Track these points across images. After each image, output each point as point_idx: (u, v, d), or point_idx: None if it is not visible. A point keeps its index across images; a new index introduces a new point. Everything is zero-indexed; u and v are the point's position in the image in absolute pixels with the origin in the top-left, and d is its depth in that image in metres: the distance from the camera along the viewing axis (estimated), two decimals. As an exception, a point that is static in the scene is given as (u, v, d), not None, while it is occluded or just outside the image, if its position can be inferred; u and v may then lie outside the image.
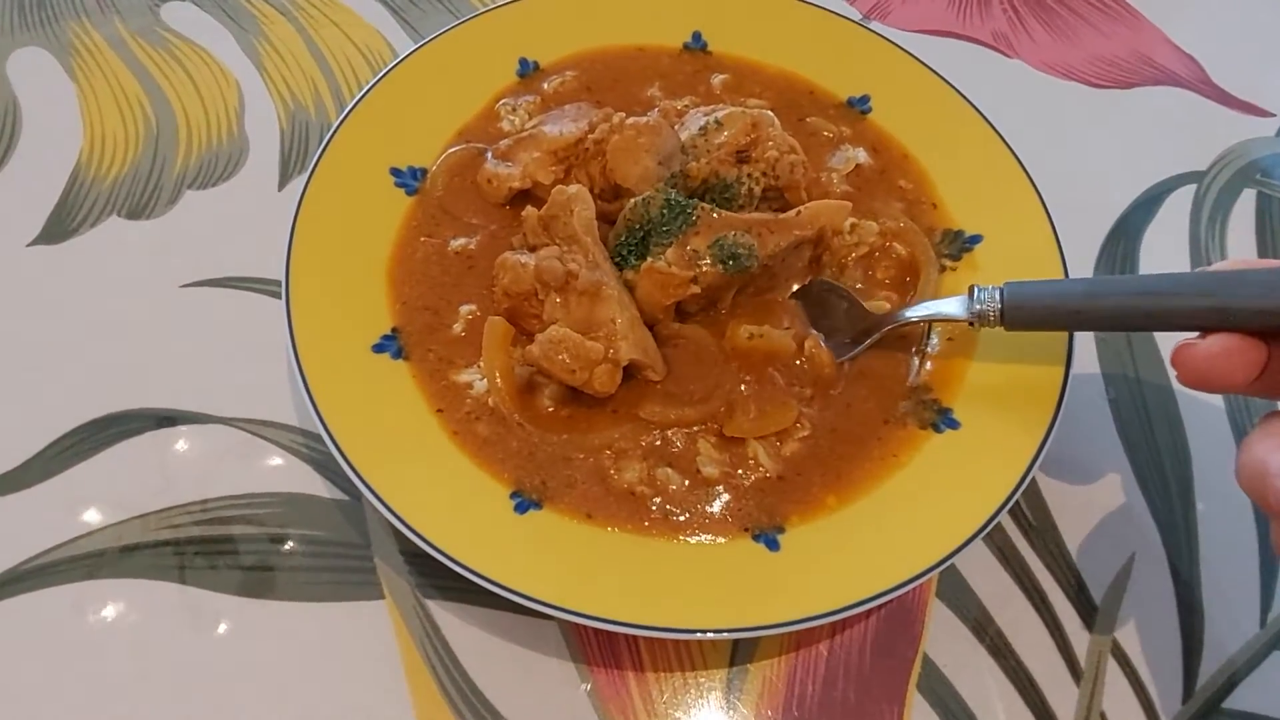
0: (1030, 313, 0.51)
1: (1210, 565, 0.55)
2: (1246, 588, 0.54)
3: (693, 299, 0.55)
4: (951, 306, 0.54)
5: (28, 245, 0.63)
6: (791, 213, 0.56)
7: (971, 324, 0.52)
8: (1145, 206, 0.70)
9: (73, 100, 0.71)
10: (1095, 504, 0.57)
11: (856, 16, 0.80)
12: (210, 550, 0.52)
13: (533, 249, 0.55)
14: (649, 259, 0.54)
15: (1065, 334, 0.55)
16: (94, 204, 0.65)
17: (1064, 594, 0.53)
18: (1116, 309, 0.49)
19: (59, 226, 0.64)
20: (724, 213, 0.55)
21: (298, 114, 0.71)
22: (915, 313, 0.55)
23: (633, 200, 0.55)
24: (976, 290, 0.52)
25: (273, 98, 0.72)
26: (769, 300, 0.58)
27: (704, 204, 0.56)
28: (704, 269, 0.54)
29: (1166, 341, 0.63)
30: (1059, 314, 0.50)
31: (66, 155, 0.68)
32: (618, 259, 0.55)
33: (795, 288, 0.59)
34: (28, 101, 0.71)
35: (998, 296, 0.51)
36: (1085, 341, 0.62)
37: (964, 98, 0.65)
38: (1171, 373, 0.61)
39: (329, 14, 0.77)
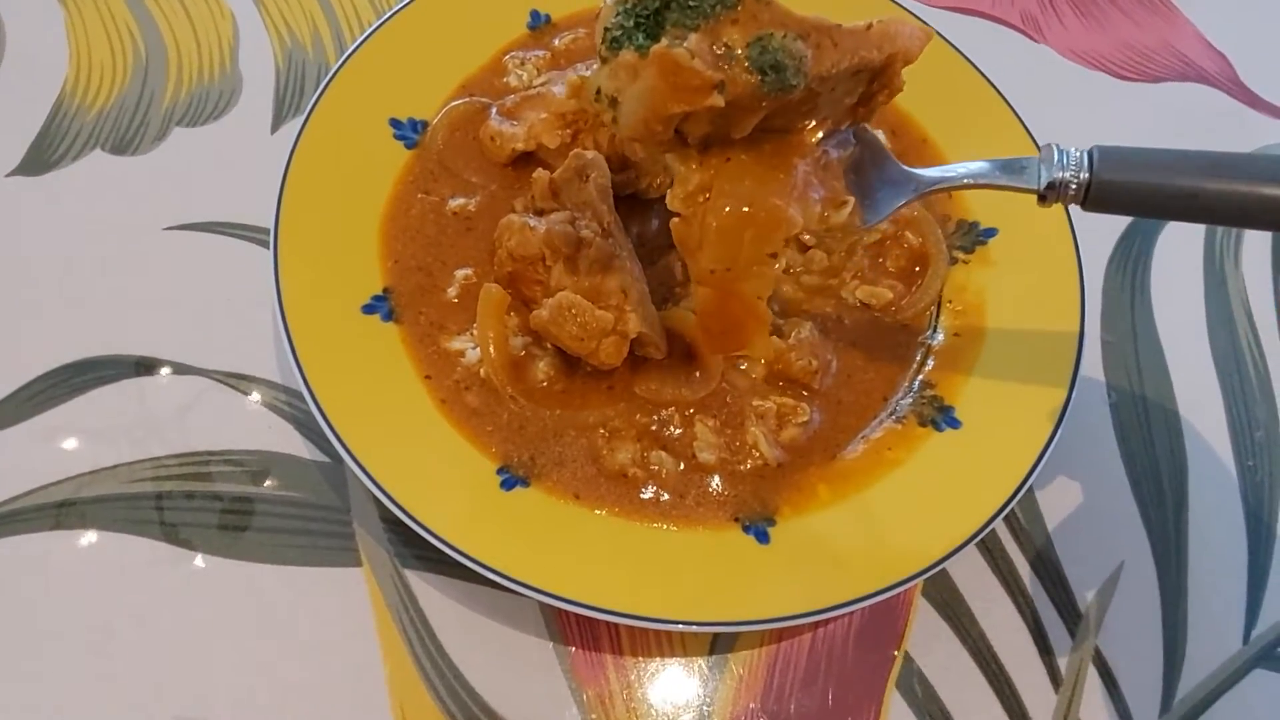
0: (1127, 191, 0.42)
1: (1197, 579, 0.54)
2: (1232, 604, 0.54)
3: (704, 115, 0.42)
4: (1017, 173, 0.45)
5: (6, 175, 0.61)
6: (861, 23, 0.44)
7: (1042, 197, 0.43)
8: (1162, 210, 0.68)
9: (60, 25, 0.68)
10: (1088, 510, 0.56)
11: (883, -11, 0.77)
12: (184, 506, 0.51)
13: (539, 213, 0.53)
14: (663, 40, 0.41)
15: (1075, 335, 0.54)
16: (77, 136, 0.63)
17: (1050, 599, 0.53)
18: (1245, 198, 0.40)
19: (39, 157, 0.61)
20: (777, 1, 0.42)
21: (295, 53, 0.68)
22: (967, 175, 0.46)
23: None
24: (1057, 151, 0.43)
25: (269, 33, 0.69)
26: (796, 140, 0.46)
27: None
28: (735, 75, 0.41)
29: (1173, 349, 0.62)
30: (1165, 196, 0.41)
31: (51, 82, 0.65)
32: (618, 31, 0.42)
33: (828, 129, 0.47)
34: (12, 23, 0.67)
35: (1085, 162, 0.42)
36: (1090, 342, 0.61)
37: (990, 83, 0.63)
38: (1175, 379, 0.61)
39: (331, -55, 0.73)
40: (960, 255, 0.58)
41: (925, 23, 0.61)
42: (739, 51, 0.41)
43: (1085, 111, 0.72)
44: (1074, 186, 0.42)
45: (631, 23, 0.42)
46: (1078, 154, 0.42)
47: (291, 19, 0.69)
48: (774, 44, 0.41)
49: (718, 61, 0.41)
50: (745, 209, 0.44)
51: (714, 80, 0.40)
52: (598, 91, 0.43)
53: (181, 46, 0.67)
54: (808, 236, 0.56)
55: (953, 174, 0.47)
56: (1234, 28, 0.78)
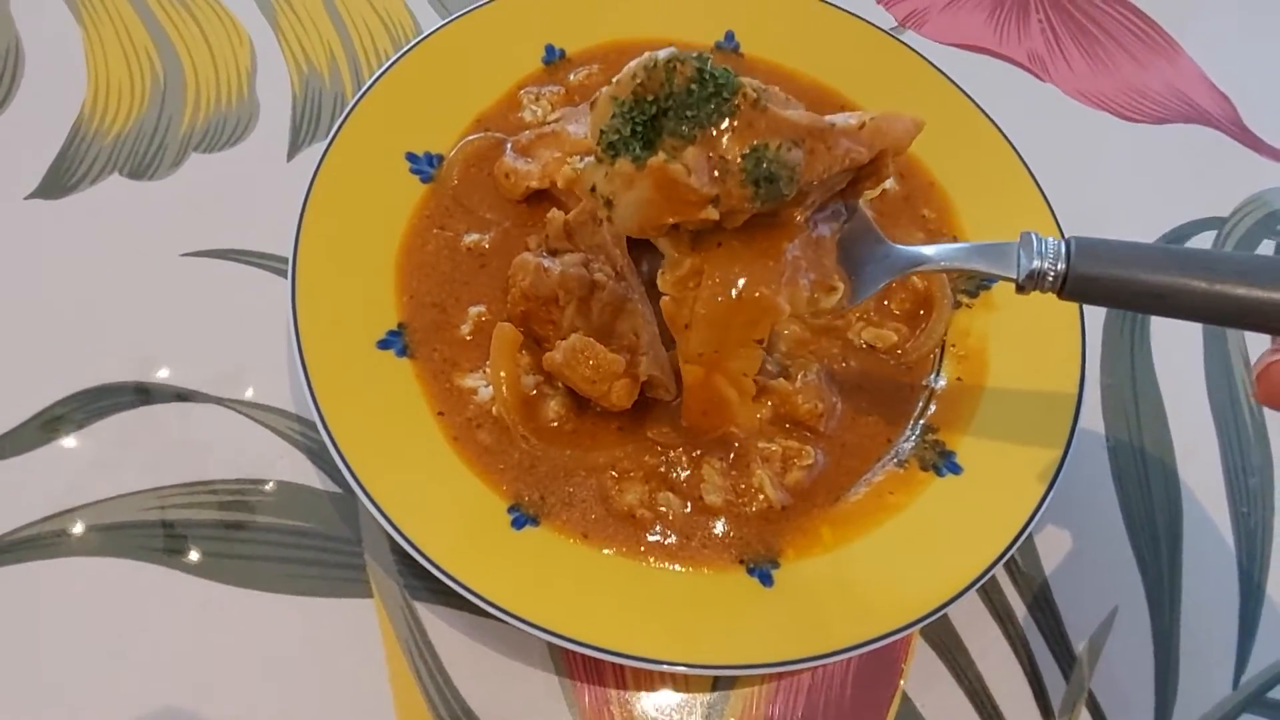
0: (1102, 285, 0.41)
1: (1189, 624, 0.56)
2: (1223, 649, 0.55)
3: (697, 220, 0.43)
4: (995, 259, 0.45)
5: (25, 198, 0.61)
6: (853, 122, 0.45)
7: (1021, 287, 0.43)
8: (1164, 251, 0.69)
9: (78, 45, 0.68)
10: (1085, 553, 0.57)
11: (892, 23, 0.78)
12: (196, 534, 0.52)
13: (553, 252, 0.54)
14: (660, 153, 0.41)
15: (1076, 381, 0.55)
16: (95, 160, 0.63)
17: (1045, 642, 0.54)
18: (1221, 300, 0.39)
19: (58, 181, 0.62)
20: (772, 107, 0.42)
21: (311, 80, 0.68)
22: (952, 262, 0.47)
23: (651, 57, 0.42)
24: (1035, 240, 0.43)
25: (286, 60, 0.69)
26: (786, 221, 0.46)
27: (750, 86, 0.42)
28: (730, 188, 0.41)
29: (1171, 394, 0.63)
30: (1138, 292, 0.41)
31: (69, 105, 0.65)
32: (614, 136, 0.42)
33: (817, 208, 0.47)
34: (31, 43, 0.68)
35: (1063, 252, 0.42)
36: (1090, 386, 0.62)
37: (996, 126, 0.63)
38: (1173, 424, 0.62)
39: (349, -29, 0.74)
40: (964, 299, 0.59)
41: (933, 60, 0.62)
42: (734, 163, 0.41)
43: (1090, 152, 0.74)
44: (1051, 277, 0.42)
45: (628, 130, 0.41)
46: (1055, 244, 0.43)
47: (309, 45, 0.70)
48: (768, 155, 0.42)
49: (713, 175, 0.41)
50: (734, 298, 0.44)
51: (709, 196, 0.41)
52: (593, 188, 0.44)
53: (199, 70, 0.68)
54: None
55: (936, 256, 0.48)
56: (1238, 69, 0.79)
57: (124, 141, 0.64)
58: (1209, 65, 0.79)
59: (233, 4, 0.71)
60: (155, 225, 0.61)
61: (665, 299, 0.46)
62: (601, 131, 0.42)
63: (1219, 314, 0.40)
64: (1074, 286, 0.42)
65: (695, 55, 0.42)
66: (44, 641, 0.48)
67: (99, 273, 0.59)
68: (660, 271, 0.47)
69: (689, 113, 0.41)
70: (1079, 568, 0.57)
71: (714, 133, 0.41)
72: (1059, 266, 0.42)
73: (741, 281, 0.45)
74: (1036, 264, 0.42)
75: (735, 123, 0.41)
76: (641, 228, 0.43)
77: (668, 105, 0.41)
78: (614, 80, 0.43)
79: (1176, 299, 0.40)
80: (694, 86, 0.41)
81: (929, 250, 0.48)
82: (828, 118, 0.45)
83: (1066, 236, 0.43)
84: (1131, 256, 0.41)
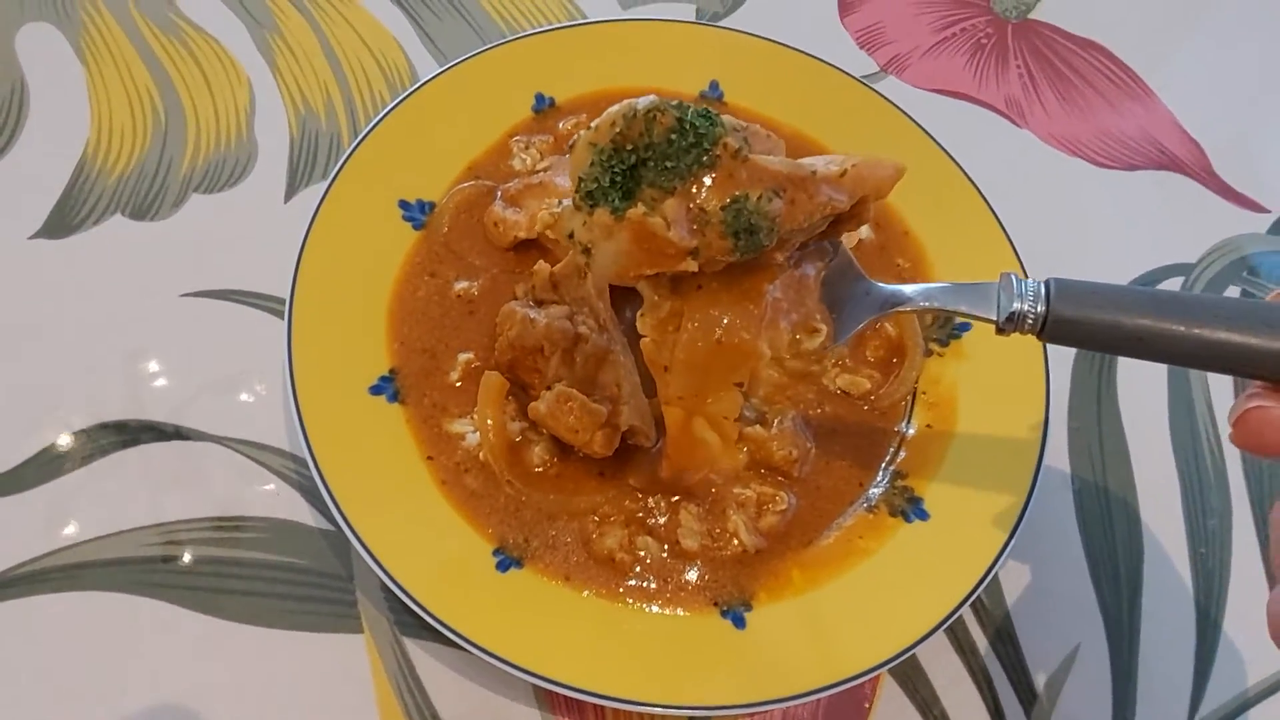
0: (1082, 328, 0.42)
1: (1147, 662, 0.58)
2: (1179, 688, 0.58)
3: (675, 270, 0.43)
4: (975, 300, 0.45)
5: (29, 238, 0.63)
6: (834, 169, 0.45)
7: (1000, 329, 0.44)
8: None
9: (81, 85, 0.70)
10: (1048, 592, 0.60)
11: (874, 68, 0.80)
12: (193, 570, 0.54)
13: (539, 302, 0.56)
14: (639, 204, 0.41)
15: (1039, 432, 0.57)
16: (99, 200, 0.65)
17: (1008, 680, 0.56)
18: (1198, 343, 0.39)
19: (62, 221, 0.64)
20: (752, 157, 0.42)
21: (308, 120, 0.71)
22: (933, 301, 0.47)
23: (631, 105, 0.41)
24: (1015, 282, 0.43)
25: (284, 100, 0.71)
26: (766, 264, 0.46)
27: (730, 135, 0.41)
28: (709, 240, 0.41)
29: (1135, 436, 0.65)
30: (1118, 335, 0.41)
31: (73, 144, 0.67)
32: (592, 185, 0.42)
33: (797, 249, 0.48)
34: (36, 82, 0.70)
35: (1042, 294, 0.42)
36: (1058, 429, 0.64)
37: (968, 178, 0.66)
38: (1136, 467, 0.65)
39: (344, 13, 0.76)
40: (936, 348, 0.61)
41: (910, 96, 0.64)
42: (714, 215, 0.41)
43: (1063, 198, 0.76)
44: (1030, 320, 0.43)
45: (607, 179, 0.41)
46: (1035, 285, 0.43)
47: (306, 87, 0.72)
48: (749, 206, 0.41)
49: (692, 227, 0.41)
50: (714, 342, 0.45)
51: (688, 248, 0.41)
52: (571, 234, 0.44)
53: (199, 111, 0.70)
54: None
55: (917, 295, 0.48)
56: (1210, 117, 0.82)
57: (126, 182, 0.66)
58: (1182, 112, 0.82)
59: (232, 45, 0.73)
60: (157, 265, 0.63)
61: (645, 340, 0.47)
62: (580, 179, 0.43)
63: (1196, 357, 0.41)
64: (1054, 329, 0.42)
65: (675, 104, 0.42)
66: (44, 673, 0.50)
67: (101, 312, 0.61)
68: (640, 314, 0.48)
69: (668, 163, 0.41)
70: (1042, 606, 0.59)
71: (693, 185, 0.42)
72: (1039, 309, 0.42)
73: (721, 325, 0.46)
74: (1016, 306, 0.43)
75: (715, 174, 0.42)
76: (619, 276, 0.44)
77: (647, 155, 0.41)
78: (593, 126, 0.43)
79: (1155, 342, 0.40)
80: (674, 136, 0.41)
81: (910, 290, 0.48)
82: (808, 161, 0.45)
83: (1047, 279, 0.43)
84: (1110, 299, 0.41)
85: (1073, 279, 0.44)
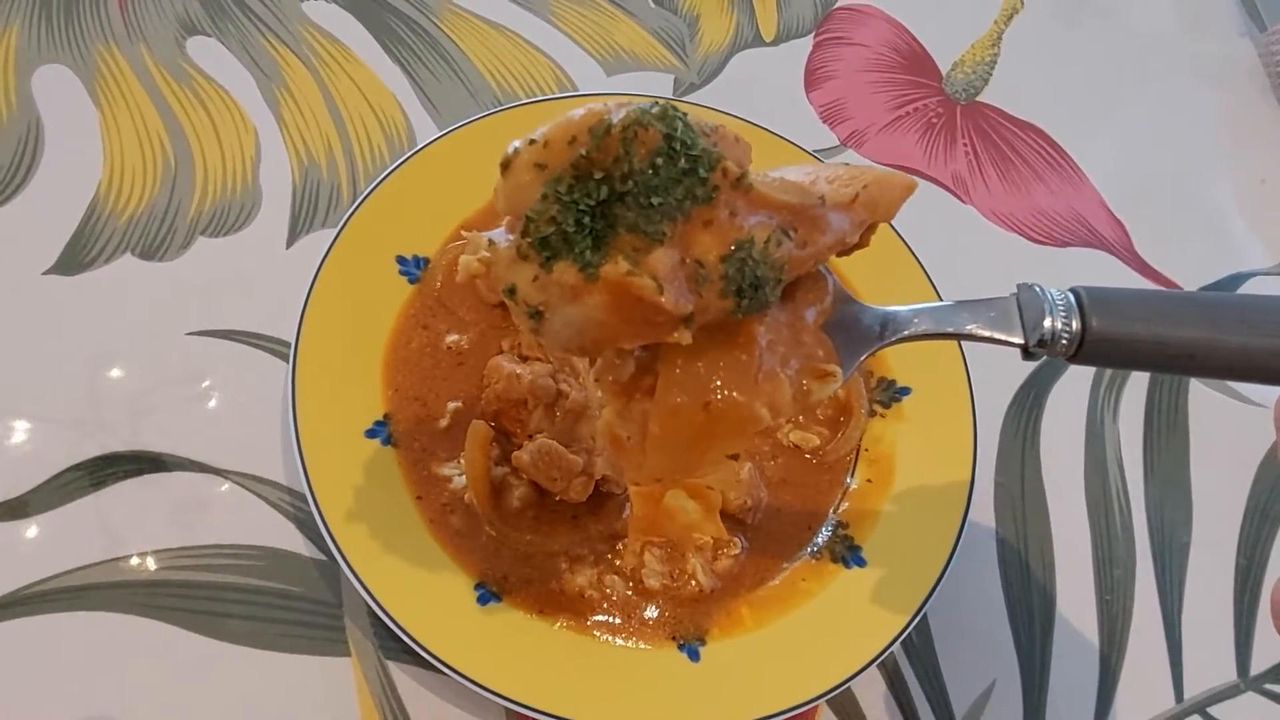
0: (1123, 348, 0.36)
1: (1054, 699, 0.65)
2: (1081, 721, 0.65)
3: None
4: (993, 319, 0.39)
5: (43, 273, 0.67)
6: (845, 193, 0.36)
7: (1029, 353, 0.37)
8: (1054, 365, 0.80)
9: (95, 126, 0.74)
10: (971, 632, 0.66)
11: (835, 141, 0.87)
12: (193, 594, 0.58)
13: (523, 358, 0.61)
14: (617, 258, 0.30)
15: (965, 491, 0.64)
16: (110, 239, 0.69)
17: (932, 712, 0.63)
18: (1268, 354, 0.34)
19: (74, 258, 0.68)
20: (756, 185, 0.33)
21: (310, 170, 0.75)
22: (944, 328, 0.41)
23: (601, 119, 0.31)
24: (1040, 293, 0.37)
25: (288, 150, 0.76)
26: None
27: (730, 158, 0.32)
28: (708, 302, 0.31)
29: (1054, 492, 0.73)
30: (1164, 353, 0.35)
31: (86, 184, 0.71)
32: (548, 228, 0.31)
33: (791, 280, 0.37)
34: (51, 122, 0.74)
35: (1074, 305, 0.36)
36: (986, 485, 0.72)
37: (910, 251, 0.73)
38: (1053, 519, 0.72)
39: (348, 70, 0.81)
40: (879, 409, 0.68)
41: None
42: (713, 268, 0.31)
43: (1001, 272, 0.84)
44: (1065, 340, 0.36)
45: (571, 222, 0.30)
46: (1063, 296, 0.37)
47: (309, 137, 0.77)
48: (754, 255, 0.32)
49: (689, 282, 0.31)
50: (701, 408, 0.34)
51: (683, 315, 0.31)
52: (512, 290, 0.32)
53: (208, 157, 0.75)
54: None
55: (919, 319, 0.41)
56: (1132, 198, 0.90)
57: (136, 223, 0.70)
58: (1109, 193, 0.90)
59: (240, 95, 0.78)
60: (164, 304, 0.67)
61: (606, 412, 0.36)
62: (529, 220, 0.31)
63: (1263, 371, 0.35)
64: (1091, 350, 0.36)
65: (657, 112, 0.31)
66: (53, 692, 0.54)
67: (110, 347, 0.65)
68: (594, 377, 0.36)
69: (655, 199, 0.31)
70: (966, 645, 0.66)
71: (687, 227, 0.31)
72: (1074, 325, 0.36)
73: (707, 386, 0.34)
74: (1049, 324, 0.37)
75: (713, 211, 0.31)
76: (584, 350, 0.32)
77: (625, 189, 0.31)
78: (539, 138, 0.31)
79: (1209, 360, 0.35)
80: (659, 161, 0.31)
81: (908, 311, 0.41)
82: (807, 178, 0.37)
83: (1073, 286, 0.38)
84: (1154, 308, 0.36)
85: (1101, 286, 0.38)
